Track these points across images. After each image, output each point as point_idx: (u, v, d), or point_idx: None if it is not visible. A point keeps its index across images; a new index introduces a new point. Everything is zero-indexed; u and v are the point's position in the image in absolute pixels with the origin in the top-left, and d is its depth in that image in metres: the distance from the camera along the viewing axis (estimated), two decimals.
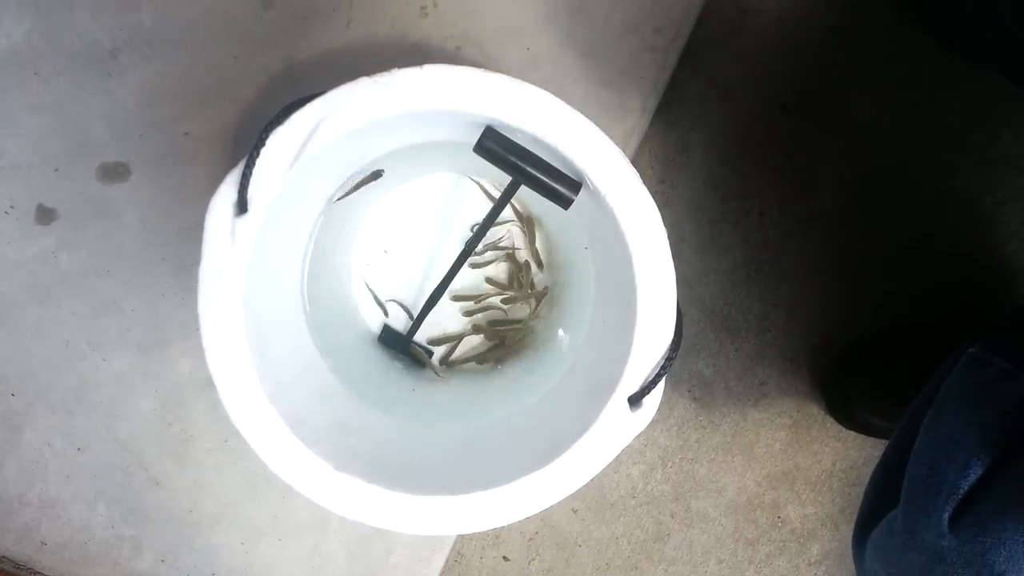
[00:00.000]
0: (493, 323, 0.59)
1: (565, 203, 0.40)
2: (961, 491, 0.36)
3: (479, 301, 0.60)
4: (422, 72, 0.37)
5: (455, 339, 0.60)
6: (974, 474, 0.36)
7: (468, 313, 0.60)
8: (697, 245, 0.65)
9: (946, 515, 0.36)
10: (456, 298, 0.60)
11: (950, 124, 0.63)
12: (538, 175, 0.39)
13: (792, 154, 0.64)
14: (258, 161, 0.37)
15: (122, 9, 0.58)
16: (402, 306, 0.59)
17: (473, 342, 0.60)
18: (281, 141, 0.38)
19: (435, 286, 0.56)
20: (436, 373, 0.59)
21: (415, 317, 0.57)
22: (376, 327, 0.59)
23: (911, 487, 0.40)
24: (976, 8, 0.50)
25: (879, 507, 0.45)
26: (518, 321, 0.60)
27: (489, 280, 0.60)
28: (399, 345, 0.58)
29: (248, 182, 0.37)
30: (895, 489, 0.42)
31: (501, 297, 0.60)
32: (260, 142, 0.37)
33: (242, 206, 0.38)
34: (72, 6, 0.58)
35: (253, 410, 0.39)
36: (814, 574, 0.70)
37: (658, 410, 0.40)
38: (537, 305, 0.60)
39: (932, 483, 0.38)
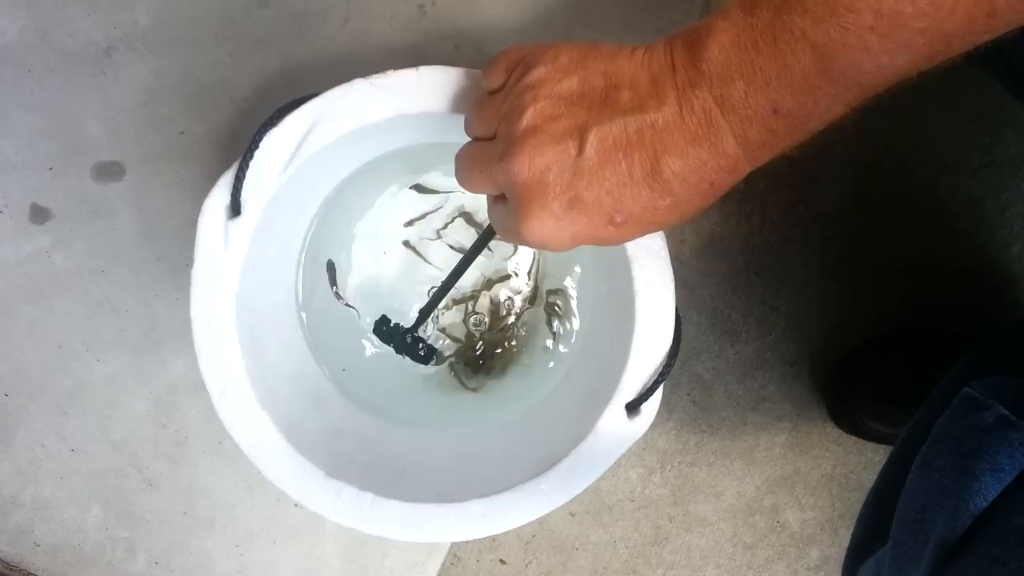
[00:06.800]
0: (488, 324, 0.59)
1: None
2: (949, 543, 0.35)
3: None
4: (418, 74, 0.37)
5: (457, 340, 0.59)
6: (962, 526, 0.35)
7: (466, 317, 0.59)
8: (697, 248, 0.64)
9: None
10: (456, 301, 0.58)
11: (952, 126, 0.63)
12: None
13: (793, 157, 0.63)
14: (252, 163, 0.37)
15: (116, 7, 0.57)
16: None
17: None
18: (275, 143, 0.37)
19: (436, 288, 0.55)
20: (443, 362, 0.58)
21: (421, 310, 0.55)
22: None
23: (900, 529, 0.39)
24: None
25: (870, 539, 0.44)
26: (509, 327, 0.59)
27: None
28: (395, 337, 0.55)
29: (242, 184, 0.37)
30: (886, 520, 0.41)
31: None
32: (254, 144, 0.37)
33: (235, 209, 0.37)
34: (66, 4, 0.57)
35: (245, 415, 0.38)
36: None
37: (657, 413, 0.40)
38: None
39: (921, 530, 0.37)
